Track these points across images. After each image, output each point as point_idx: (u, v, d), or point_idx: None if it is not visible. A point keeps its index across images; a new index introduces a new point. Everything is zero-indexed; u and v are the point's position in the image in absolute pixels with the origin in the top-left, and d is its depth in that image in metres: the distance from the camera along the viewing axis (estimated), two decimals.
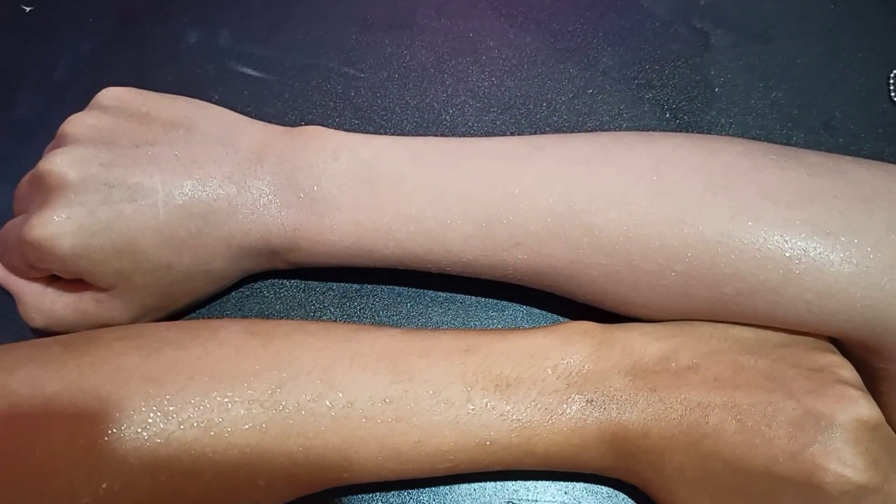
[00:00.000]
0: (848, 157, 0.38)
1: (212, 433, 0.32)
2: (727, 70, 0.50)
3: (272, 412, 0.33)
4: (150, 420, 0.32)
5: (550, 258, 0.37)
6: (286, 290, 0.44)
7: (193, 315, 0.43)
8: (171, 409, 0.32)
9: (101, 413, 0.32)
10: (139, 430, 0.32)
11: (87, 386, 0.33)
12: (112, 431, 0.32)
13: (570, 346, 0.36)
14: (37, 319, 0.39)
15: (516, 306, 0.44)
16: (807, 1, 0.52)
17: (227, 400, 0.33)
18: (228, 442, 0.33)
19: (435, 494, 0.39)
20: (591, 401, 0.34)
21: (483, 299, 0.44)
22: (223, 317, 0.37)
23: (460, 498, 0.39)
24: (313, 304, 0.44)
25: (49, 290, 0.39)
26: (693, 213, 0.35)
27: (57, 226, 0.34)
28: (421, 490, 0.39)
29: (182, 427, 0.32)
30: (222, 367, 0.34)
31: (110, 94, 0.39)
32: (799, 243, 0.33)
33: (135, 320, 0.39)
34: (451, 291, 0.44)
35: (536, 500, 0.39)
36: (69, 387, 0.32)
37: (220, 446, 0.32)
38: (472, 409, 0.34)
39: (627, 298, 0.37)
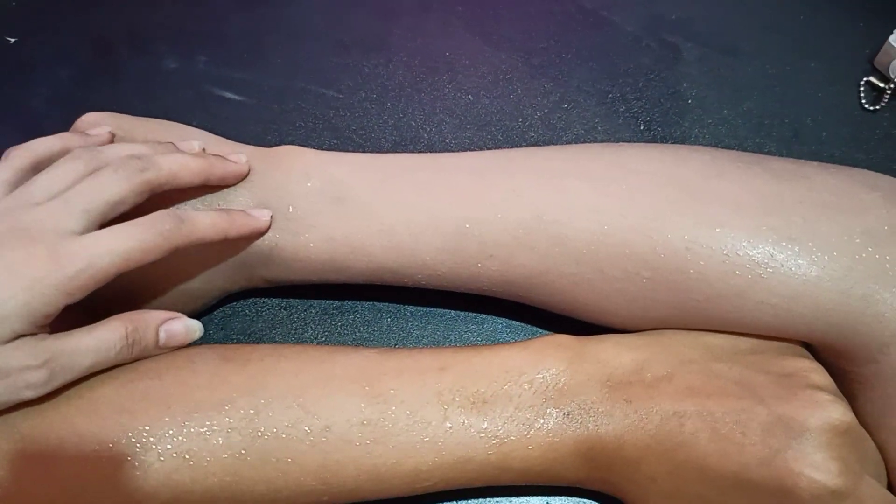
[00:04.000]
0: (813, 163, 0.38)
1: (191, 463, 0.32)
2: (698, 82, 0.51)
3: (250, 439, 0.33)
4: (128, 453, 0.32)
5: (522, 268, 0.37)
6: (267, 309, 0.44)
7: None
8: (150, 440, 0.32)
9: (76, 447, 0.32)
10: (117, 463, 0.32)
11: (61, 419, 0.33)
12: (88, 465, 0.32)
13: (544, 361, 0.36)
14: None
15: (495, 319, 0.44)
16: (775, 12, 0.53)
17: (204, 429, 0.33)
18: (207, 471, 0.33)
19: None
20: (568, 414, 0.35)
21: (462, 313, 0.44)
22: (200, 343, 0.37)
23: None
24: (294, 322, 0.44)
25: None
26: (660, 221, 0.35)
27: None
28: None
29: (161, 458, 0.32)
30: (199, 395, 0.34)
31: (88, 120, 0.40)
32: (765, 249, 0.34)
33: None
34: (431, 306, 0.44)
35: None
36: (44, 421, 0.33)
37: (199, 475, 0.33)
38: (450, 428, 0.34)
39: (599, 306, 0.38)
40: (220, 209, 0.38)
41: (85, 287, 0.32)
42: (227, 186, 0.39)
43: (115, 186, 0.34)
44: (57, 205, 0.33)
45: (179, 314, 0.36)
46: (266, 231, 0.38)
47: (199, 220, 0.35)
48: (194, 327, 0.37)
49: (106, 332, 0.34)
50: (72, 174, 0.35)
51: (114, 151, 0.36)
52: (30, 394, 0.32)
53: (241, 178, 0.39)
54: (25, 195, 0.34)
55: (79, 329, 0.33)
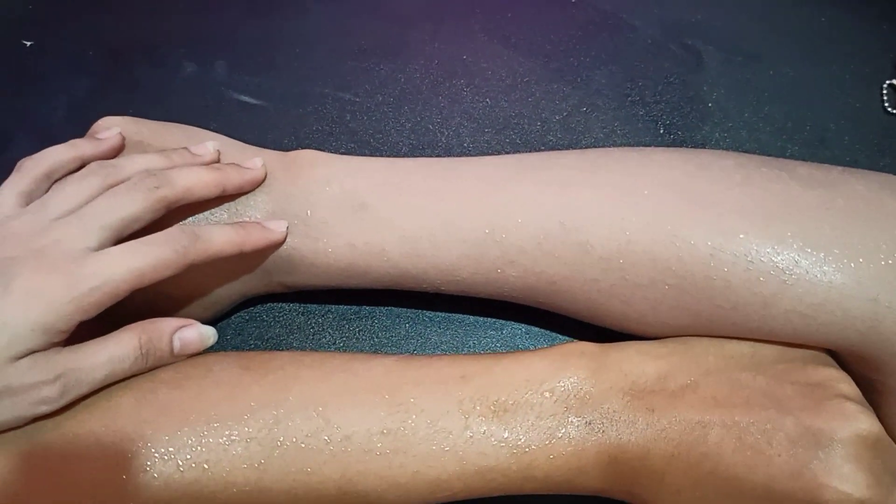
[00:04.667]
0: (839, 168, 0.38)
1: (211, 473, 0.32)
2: (720, 86, 0.50)
3: (270, 450, 0.33)
4: (147, 463, 0.32)
5: (544, 275, 0.37)
6: (285, 314, 0.44)
7: None
8: (169, 450, 0.32)
9: (94, 459, 0.32)
10: (136, 474, 0.32)
11: (82, 432, 0.33)
12: (107, 477, 0.32)
13: (566, 369, 0.36)
14: None
15: (514, 325, 0.44)
16: (797, 16, 0.52)
17: (224, 439, 0.33)
18: (227, 481, 0.32)
19: None
20: (590, 423, 0.34)
21: (481, 319, 0.44)
22: (218, 351, 0.37)
23: None
24: (312, 328, 0.44)
25: None
26: (685, 228, 0.35)
27: None
28: None
29: (181, 469, 0.32)
30: (218, 405, 0.34)
31: (105, 125, 0.40)
32: (790, 256, 0.34)
33: None
34: (449, 311, 0.44)
35: None
36: (64, 434, 0.33)
37: (218, 486, 0.32)
38: (471, 437, 0.34)
39: (622, 314, 0.37)
40: (235, 223, 0.37)
41: (99, 304, 0.32)
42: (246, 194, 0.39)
43: (131, 205, 0.34)
44: (73, 221, 0.33)
45: (193, 321, 0.36)
46: (282, 243, 0.38)
47: (215, 236, 0.35)
48: (208, 334, 0.37)
49: (119, 345, 0.34)
50: (87, 190, 0.35)
51: (130, 166, 0.36)
52: (44, 409, 0.32)
53: (258, 185, 0.39)
54: (42, 210, 0.34)
55: (92, 342, 0.33)
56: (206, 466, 0.32)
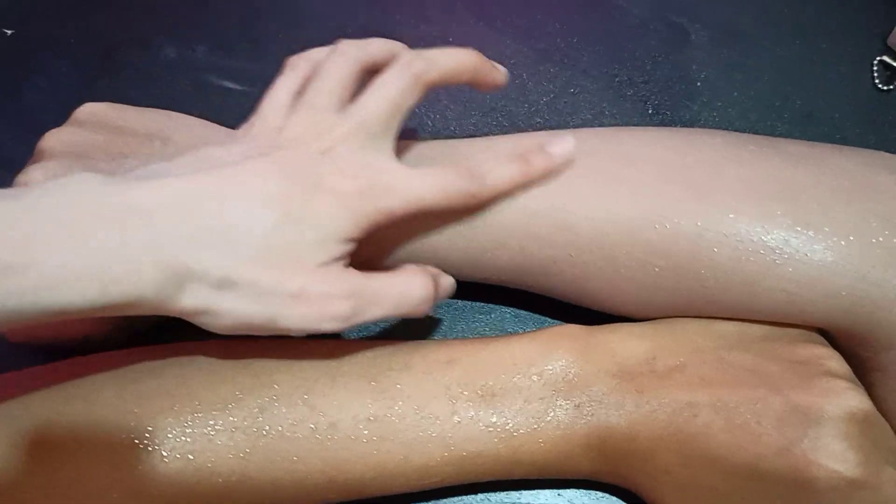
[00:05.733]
0: (829, 146, 0.37)
1: (195, 464, 0.32)
2: (708, 64, 0.50)
3: (255, 439, 0.33)
4: (131, 454, 0.32)
5: (532, 257, 0.37)
6: None
7: (177, 323, 0.43)
8: (153, 441, 0.32)
9: (79, 449, 0.32)
10: (120, 465, 0.31)
11: (63, 421, 0.32)
12: (91, 468, 0.31)
13: (554, 352, 0.35)
14: None
15: (503, 308, 0.44)
16: None
17: (208, 429, 0.32)
18: (212, 471, 0.32)
19: None
20: (578, 406, 0.34)
21: (469, 303, 0.44)
22: (203, 338, 0.37)
23: None
24: None
25: None
26: (672, 208, 0.34)
27: None
28: None
29: (165, 459, 0.32)
30: (202, 395, 0.33)
31: (87, 110, 0.39)
32: (779, 234, 0.33)
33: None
34: None
35: (529, 503, 0.39)
36: (44, 423, 0.32)
37: (203, 476, 0.32)
38: (458, 422, 0.34)
39: (609, 295, 0.37)
40: (515, 155, 0.36)
41: (390, 217, 0.32)
42: None
43: (405, 96, 0.34)
44: (351, 119, 0.33)
45: (440, 271, 0.37)
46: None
47: (497, 173, 0.35)
48: (452, 281, 0.37)
49: (408, 282, 0.33)
50: (349, 78, 0.35)
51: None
52: (331, 326, 0.31)
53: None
54: (313, 105, 0.34)
55: (381, 273, 0.33)
56: (190, 457, 0.32)
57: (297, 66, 0.36)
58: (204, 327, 0.30)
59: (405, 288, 0.33)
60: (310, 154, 0.32)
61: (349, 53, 0.35)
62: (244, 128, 0.35)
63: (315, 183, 0.31)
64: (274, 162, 0.31)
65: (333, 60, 0.35)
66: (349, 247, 0.32)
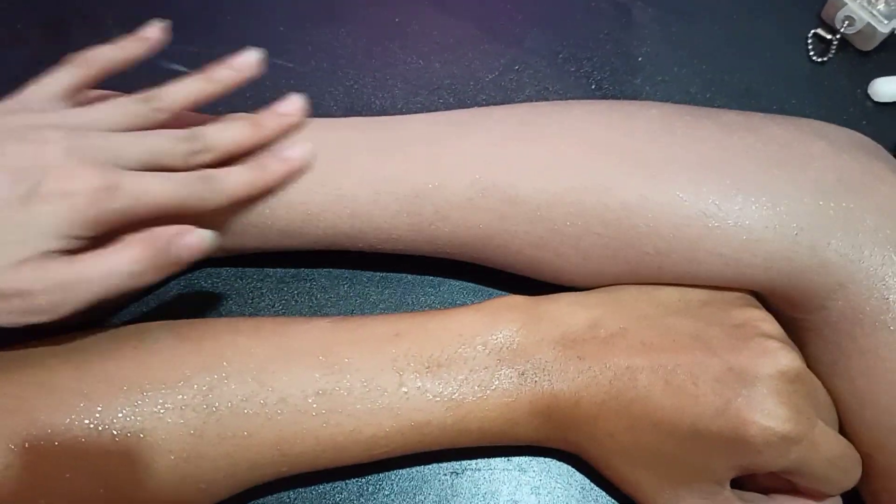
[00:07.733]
0: (761, 115, 0.39)
1: (147, 441, 0.32)
2: (649, 41, 0.51)
3: (205, 416, 0.33)
4: (84, 435, 0.32)
5: (477, 229, 0.37)
6: (222, 279, 0.44)
7: (133, 309, 0.43)
8: (103, 420, 0.32)
9: (36, 434, 0.32)
10: (74, 447, 0.32)
11: (21, 405, 0.32)
12: (48, 451, 0.31)
13: (498, 322, 0.36)
14: None
15: (451, 282, 0.44)
16: None
17: (158, 407, 0.33)
18: (165, 449, 0.32)
19: (377, 479, 0.40)
20: (523, 373, 0.35)
21: (419, 277, 0.44)
22: (155, 318, 0.37)
23: (403, 478, 0.40)
24: (250, 292, 0.44)
25: None
26: (610, 178, 0.35)
27: None
28: (358, 478, 0.40)
29: (117, 438, 0.32)
30: (154, 375, 0.33)
31: None
32: (714, 201, 0.34)
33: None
34: (387, 271, 0.44)
35: (479, 469, 0.40)
36: (3, 409, 0.32)
37: (157, 453, 0.32)
38: (405, 393, 0.34)
39: (554, 265, 0.38)
40: (250, 162, 0.37)
41: (123, 216, 0.32)
42: None
43: (170, 155, 0.35)
44: (119, 140, 0.34)
45: (190, 226, 0.34)
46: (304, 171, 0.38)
47: (231, 178, 0.36)
48: (206, 235, 0.34)
49: (118, 256, 0.32)
50: (129, 120, 0.36)
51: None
52: (35, 319, 0.31)
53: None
54: (79, 118, 0.35)
55: (90, 253, 0.32)
56: (141, 435, 0.32)
57: (74, 62, 0.37)
58: None
59: (111, 264, 0.32)
60: (41, 151, 0.32)
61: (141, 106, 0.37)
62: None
63: (36, 184, 0.31)
64: None
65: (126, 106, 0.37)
66: (65, 242, 0.31)
